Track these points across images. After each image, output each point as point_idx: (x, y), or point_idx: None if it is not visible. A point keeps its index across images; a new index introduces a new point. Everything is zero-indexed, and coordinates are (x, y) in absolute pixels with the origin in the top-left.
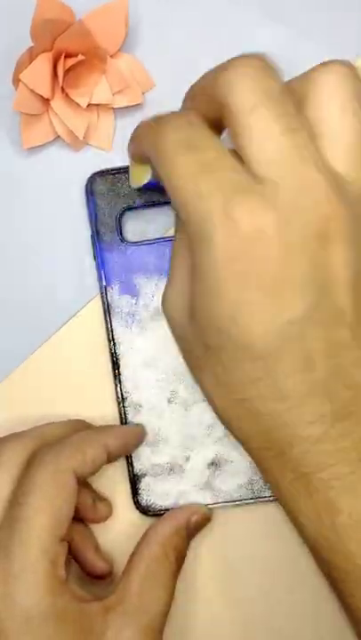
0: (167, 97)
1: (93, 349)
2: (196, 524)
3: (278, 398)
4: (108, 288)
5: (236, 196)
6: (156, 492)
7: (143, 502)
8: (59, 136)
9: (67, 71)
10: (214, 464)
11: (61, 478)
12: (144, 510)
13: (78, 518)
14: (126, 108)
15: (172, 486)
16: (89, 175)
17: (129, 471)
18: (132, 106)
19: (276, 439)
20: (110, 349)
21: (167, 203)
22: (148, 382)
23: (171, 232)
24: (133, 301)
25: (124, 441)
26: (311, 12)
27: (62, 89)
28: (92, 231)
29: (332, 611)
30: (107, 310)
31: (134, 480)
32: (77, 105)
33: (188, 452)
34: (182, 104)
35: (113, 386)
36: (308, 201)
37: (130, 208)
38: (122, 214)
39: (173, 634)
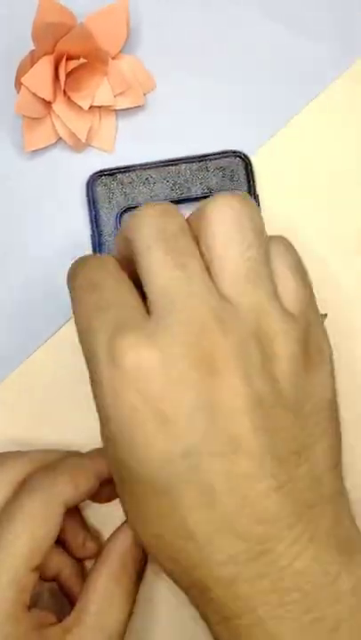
0: (169, 97)
1: None
2: None
3: (187, 536)
4: None
5: (119, 332)
6: None
7: None
8: (61, 138)
9: (68, 74)
10: None
11: (50, 509)
12: None
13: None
14: (128, 109)
15: None
16: (89, 175)
17: None
18: (134, 107)
19: (196, 579)
20: None
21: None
22: None
23: None
24: None
25: None
26: (312, 12)
27: (64, 92)
28: (93, 231)
29: None
30: None
31: None
32: (79, 107)
33: None
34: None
35: None
36: (191, 335)
37: (130, 207)
38: (122, 214)
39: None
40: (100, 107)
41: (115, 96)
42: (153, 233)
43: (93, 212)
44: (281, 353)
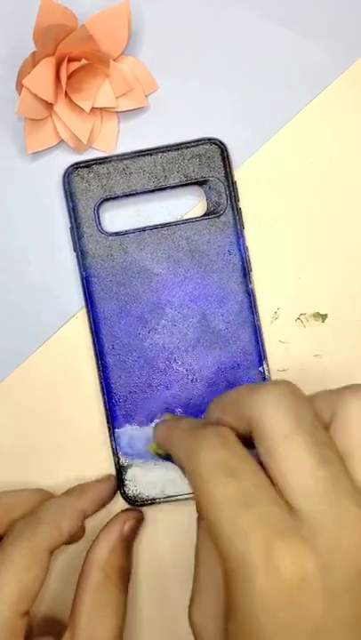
0: (170, 99)
1: (92, 349)
2: (131, 529)
3: None
4: (89, 280)
5: (278, 538)
6: (143, 482)
7: (130, 493)
8: (62, 140)
9: (70, 76)
10: None
11: (35, 557)
12: (131, 501)
13: None
14: (130, 111)
15: (158, 476)
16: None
17: (115, 462)
18: (136, 109)
19: None
20: (93, 340)
21: (144, 193)
22: (133, 371)
23: (150, 221)
24: (115, 290)
25: (100, 501)
26: (311, 13)
27: (66, 93)
28: (71, 223)
29: None
30: (88, 301)
31: (120, 471)
32: (81, 109)
33: None
34: (209, 412)
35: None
36: (350, 541)
37: (107, 199)
38: (99, 205)
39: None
40: (101, 109)
41: (116, 98)
42: (290, 419)
43: (71, 205)
44: None
